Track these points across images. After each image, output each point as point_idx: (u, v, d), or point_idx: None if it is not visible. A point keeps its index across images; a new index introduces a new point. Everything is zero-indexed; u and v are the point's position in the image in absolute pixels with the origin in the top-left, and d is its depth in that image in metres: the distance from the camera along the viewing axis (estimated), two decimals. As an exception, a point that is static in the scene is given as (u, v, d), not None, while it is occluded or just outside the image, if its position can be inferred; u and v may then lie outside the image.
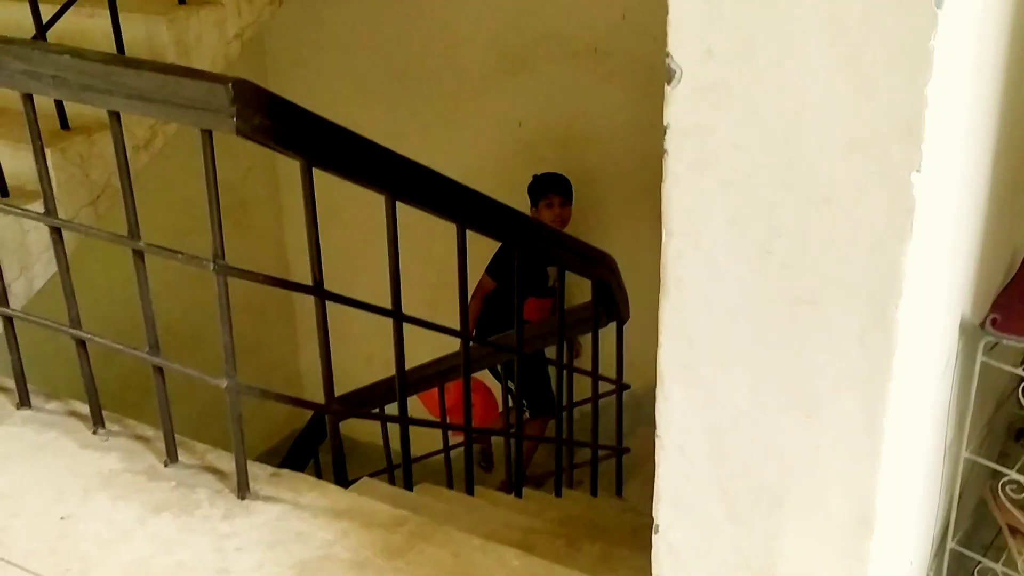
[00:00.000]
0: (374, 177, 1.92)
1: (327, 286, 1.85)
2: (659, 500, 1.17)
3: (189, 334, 3.96)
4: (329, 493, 1.90)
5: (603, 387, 3.27)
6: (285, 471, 1.97)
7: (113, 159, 2.95)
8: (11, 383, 2.17)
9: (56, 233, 1.95)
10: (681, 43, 0.97)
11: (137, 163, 2.96)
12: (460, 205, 2.17)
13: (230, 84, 1.55)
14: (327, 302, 1.87)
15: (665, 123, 1.01)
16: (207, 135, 1.63)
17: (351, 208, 4.71)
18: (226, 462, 1.97)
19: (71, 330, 1.99)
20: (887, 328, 0.98)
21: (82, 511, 1.84)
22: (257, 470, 1.94)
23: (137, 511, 1.83)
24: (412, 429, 2.28)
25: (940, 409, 1.38)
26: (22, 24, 3.14)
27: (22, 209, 2.12)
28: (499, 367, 3.53)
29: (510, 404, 3.86)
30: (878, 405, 1.01)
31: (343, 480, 2.07)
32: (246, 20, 3.23)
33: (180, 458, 1.97)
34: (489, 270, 4.20)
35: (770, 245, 1.00)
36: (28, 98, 1.84)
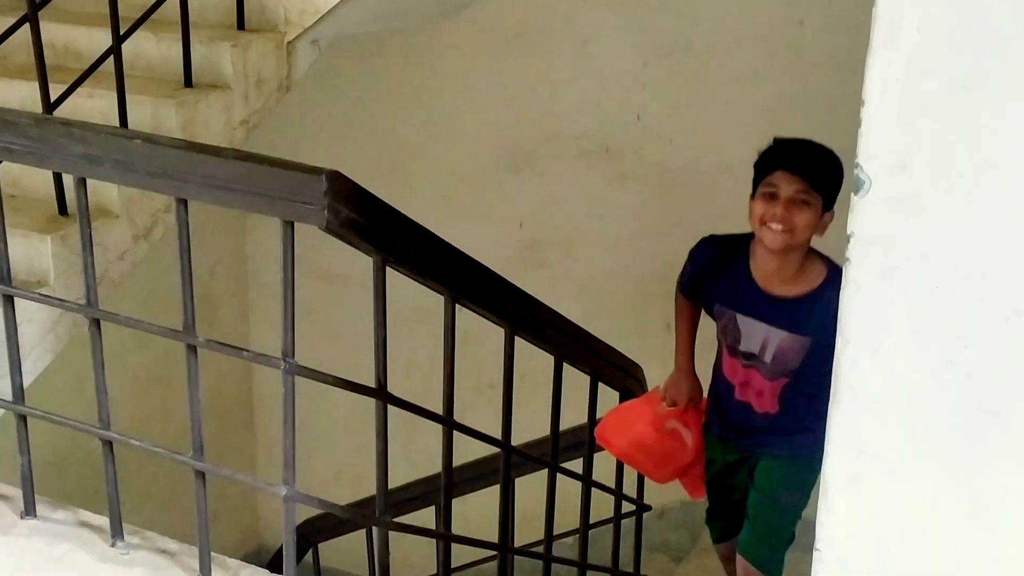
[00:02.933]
0: (440, 276, 2.00)
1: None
2: (813, 618, 1.23)
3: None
4: (382, 615, 1.92)
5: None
6: (330, 590, 1.99)
7: (111, 249, 3.03)
8: (11, 490, 2.16)
9: (95, 324, 1.98)
10: (872, 155, 1.07)
11: (138, 253, 3.01)
12: (512, 309, 2.25)
13: (324, 176, 1.62)
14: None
15: (849, 232, 1.10)
16: (289, 227, 1.70)
17: (327, 309, 4.78)
18: (262, 581, 1.98)
19: (101, 431, 2.00)
20: (1074, 441, 1.07)
21: (114, 632, 1.84)
22: (301, 590, 1.95)
23: (179, 633, 1.83)
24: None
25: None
26: (12, 103, 3.20)
27: (60, 300, 2.15)
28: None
29: None
30: (1061, 520, 1.09)
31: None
32: (253, 106, 3.33)
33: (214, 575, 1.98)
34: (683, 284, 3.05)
35: (955, 356, 1.09)
36: (82, 183, 1.89)
